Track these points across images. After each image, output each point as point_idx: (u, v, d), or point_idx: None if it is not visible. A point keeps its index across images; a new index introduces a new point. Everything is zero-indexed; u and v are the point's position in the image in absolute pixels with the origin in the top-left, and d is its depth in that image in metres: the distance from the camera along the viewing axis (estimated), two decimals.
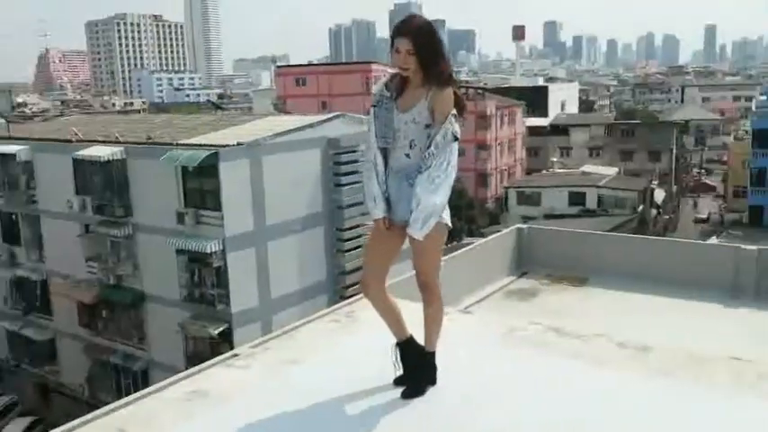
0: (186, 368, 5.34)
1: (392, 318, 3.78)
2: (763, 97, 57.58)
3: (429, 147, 3.43)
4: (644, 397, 3.76)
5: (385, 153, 3.60)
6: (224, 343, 20.70)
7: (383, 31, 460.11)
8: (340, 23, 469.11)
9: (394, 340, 3.83)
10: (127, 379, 24.44)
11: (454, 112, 3.45)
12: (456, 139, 3.45)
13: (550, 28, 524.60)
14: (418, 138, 3.48)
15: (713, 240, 32.94)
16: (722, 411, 3.63)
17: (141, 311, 23.92)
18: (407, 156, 3.52)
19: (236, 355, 4.51)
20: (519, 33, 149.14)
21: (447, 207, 3.54)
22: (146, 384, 22.99)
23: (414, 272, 3.68)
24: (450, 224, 3.59)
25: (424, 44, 3.38)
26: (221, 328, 21.29)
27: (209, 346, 21.44)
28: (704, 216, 56.51)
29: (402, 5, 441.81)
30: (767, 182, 46.84)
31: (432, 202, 3.41)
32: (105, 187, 23.39)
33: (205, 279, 21.87)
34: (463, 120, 3.51)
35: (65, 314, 25.91)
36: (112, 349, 24.94)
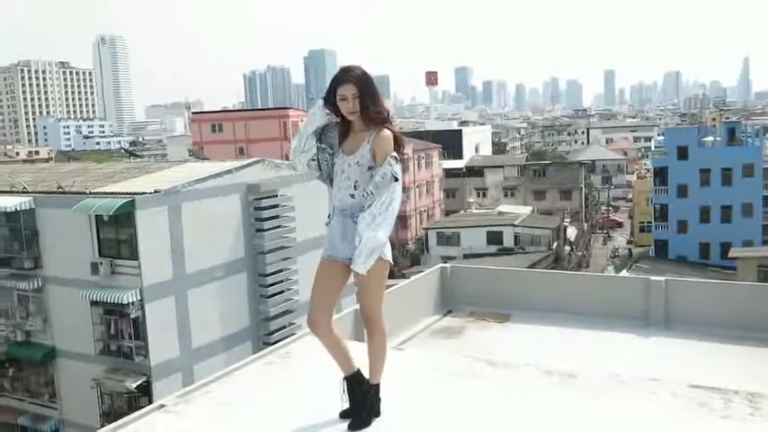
0: (102, 425, 5.10)
1: (340, 352, 3.90)
2: (661, 138, 61.11)
3: (369, 187, 3.66)
4: (577, 418, 4.00)
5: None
6: (143, 396, 19.99)
7: (298, 77, 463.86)
8: (255, 70, 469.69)
9: (336, 376, 3.90)
10: None
11: (394, 154, 3.71)
12: (396, 179, 3.68)
13: (461, 73, 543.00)
14: (361, 179, 3.72)
15: (624, 273, 34.44)
16: (644, 425, 3.91)
17: (52, 368, 22.83)
18: (352, 196, 3.75)
19: (162, 406, 4.38)
20: (432, 79, 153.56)
21: (388, 244, 3.74)
22: None
23: (357, 307, 3.79)
24: (391, 261, 3.78)
25: (365, 88, 3.67)
26: (140, 381, 20.53)
27: (126, 401, 20.66)
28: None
29: (316, 53, 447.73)
30: (669, 217, 49.59)
31: (373, 239, 3.61)
32: (12, 238, 22.54)
33: (122, 331, 21.10)
34: (403, 156, 3.77)
35: None
36: (20, 410, 23.63)
